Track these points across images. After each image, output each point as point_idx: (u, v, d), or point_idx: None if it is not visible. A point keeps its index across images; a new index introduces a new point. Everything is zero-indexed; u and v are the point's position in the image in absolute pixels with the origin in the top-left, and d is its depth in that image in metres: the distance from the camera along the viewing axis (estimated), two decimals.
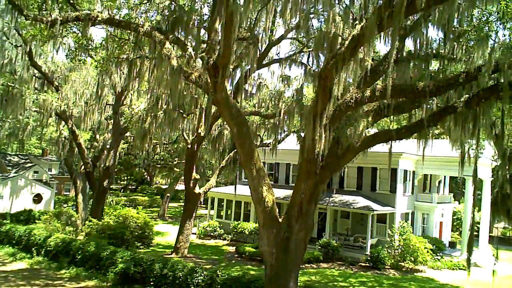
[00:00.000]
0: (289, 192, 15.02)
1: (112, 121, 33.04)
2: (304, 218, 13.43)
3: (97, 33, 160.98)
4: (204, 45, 18.14)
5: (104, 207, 33.64)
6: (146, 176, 77.13)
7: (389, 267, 27.37)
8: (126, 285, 18.30)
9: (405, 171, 32.36)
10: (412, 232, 29.38)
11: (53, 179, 56.33)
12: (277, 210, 14.00)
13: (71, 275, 20.08)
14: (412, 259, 27.41)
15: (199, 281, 17.27)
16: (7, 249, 24.38)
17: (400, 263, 27.54)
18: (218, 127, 27.98)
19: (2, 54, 26.34)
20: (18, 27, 25.41)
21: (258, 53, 21.88)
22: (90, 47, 27.20)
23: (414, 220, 33.63)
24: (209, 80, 13.84)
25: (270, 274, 13.64)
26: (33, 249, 23.16)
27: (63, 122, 31.58)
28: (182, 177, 47.25)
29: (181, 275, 17.62)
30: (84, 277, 19.72)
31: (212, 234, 35.64)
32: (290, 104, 22.36)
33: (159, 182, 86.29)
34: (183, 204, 40.13)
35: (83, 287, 18.48)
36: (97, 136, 37.23)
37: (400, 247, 28.03)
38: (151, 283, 18.09)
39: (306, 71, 22.40)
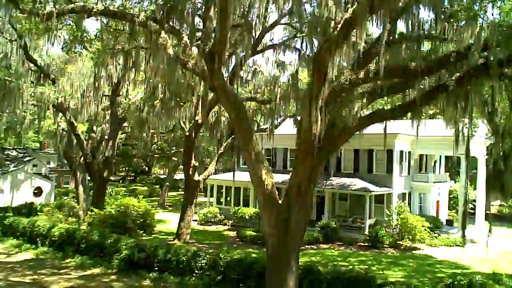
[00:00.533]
0: (287, 177, 15.38)
1: (109, 111, 33.21)
2: (303, 199, 13.79)
3: (91, 25, 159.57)
4: (200, 33, 18.39)
5: (105, 197, 33.96)
6: (144, 167, 77.42)
7: (387, 246, 27.90)
8: (131, 271, 18.75)
9: (401, 152, 32.78)
10: (410, 212, 29.93)
11: (52, 172, 56.51)
12: (276, 192, 14.35)
13: (77, 264, 20.50)
14: (410, 238, 27.98)
15: (203, 264, 17.74)
16: (12, 241, 24.76)
17: (398, 242, 28.09)
18: (215, 114, 28.22)
19: None
20: (13, 21, 25.46)
21: (252, 40, 22.10)
22: (85, 39, 27.31)
23: (411, 200, 34.15)
24: (205, 68, 14.09)
25: (272, 254, 14.04)
26: (38, 240, 23.57)
27: (60, 114, 31.73)
28: (181, 166, 47.66)
29: (184, 259, 18.07)
30: (89, 265, 20.14)
31: (212, 220, 36.11)
32: (285, 89, 22.63)
33: (157, 172, 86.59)
34: (182, 192, 40.61)
35: (89, 275, 18.89)
36: (94, 128, 37.40)
37: (398, 226, 28.59)
38: (156, 268, 18.53)
39: (300, 56, 22.65)
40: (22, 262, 21.02)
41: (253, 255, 20.23)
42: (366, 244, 28.51)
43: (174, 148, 47.07)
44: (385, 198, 31.85)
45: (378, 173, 32.34)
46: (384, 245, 27.89)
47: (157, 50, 15.00)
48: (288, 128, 31.81)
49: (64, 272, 19.28)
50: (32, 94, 27.99)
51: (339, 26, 10.49)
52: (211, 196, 39.17)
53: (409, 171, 34.39)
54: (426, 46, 14.68)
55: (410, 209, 30.73)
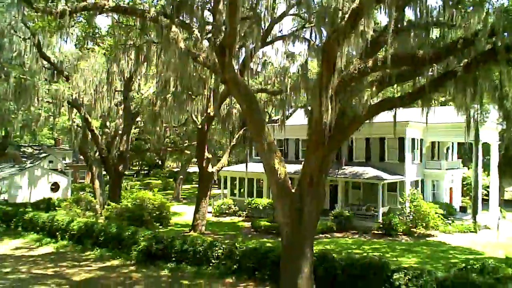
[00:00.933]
0: (300, 167, 15.59)
1: (122, 106, 33.66)
2: (316, 188, 14.02)
3: (102, 22, 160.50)
4: (210, 27, 18.60)
5: (121, 191, 34.54)
6: (157, 160, 78.17)
7: (401, 233, 28.03)
8: (149, 262, 19.21)
9: (413, 140, 32.78)
10: (423, 199, 29.98)
11: (67, 168, 57.43)
12: (289, 182, 14.59)
13: (96, 256, 21.04)
14: (424, 225, 28.09)
15: (219, 254, 18.13)
16: (32, 235, 25.40)
17: (412, 229, 28.21)
18: (226, 107, 28.48)
19: (11, 48, 26.88)
20: (26, 20, 25.93)
21: (262, 32, 22.23)
22: (97, 35, 27.69)
23: (424, 187, 34.16)
24: (216, 60, 14.33)
25: (286, 243, 14.32)
26: (57, 234, 24.15)
27: (75, 110, 32.25)
28: (194, 159, 48.12)
29: (201, 250, 18.48)
30: (108, 257, 20.67)
31: (227, 211, 36.54)
32: (295, 80, 22.77)
33: (170, 165, 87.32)
34: (196, 185, 41.11)
35: (109, 266, 19.40)
36: (107, 123, 37.93)
37: (412, 213, 28.69)
38: (173, 259, 18.97)
39: (309, 46, 22.74)
40: (44, 256, 21.63)
41: (268, 244, 20.59)
42: (379, 232, 28.67)
43: (186, 141, 47.47)
44: (397, 186, 31.93)
45: (390, 161, 32.39)
46: (398, 233, 28.01)
47: (168, 44, 15.22)
48: (299, 118, 31.98)
49: (84, 264, 19.82)
50: (47, 91, 28.46)
51: (347, 16, 10.65)
52: (225, 188, 39.58)
53: (421, 158, 34.37)
54: (436, 32, 14.73)
55: (423, 197, 30.77)
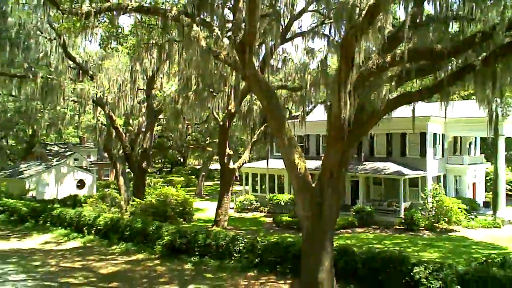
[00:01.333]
0: (320, 163, 15.76)
1: (145, 104, 34.30)
2: (336, 183, 14.17)
3: (125, 21, 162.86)
4: (230, 25, 18.91)
5: (145, 188, 35.24)
6: (179, 158, 79.08)
7: (423, 228, 27.94)
8: (173, 256, 19.67)
9: (434, 135, 32.53)
10: (445, 194, 29.78)
11: (92, 165, 58.77)
12: (309, 176, 14.78)
13: (122, 250, 21.62)
14: (446, 220, 27.92)
15: (241, 248, 18.47)
16: (60, 230, 26.18)
17: (434, 224, 28.08)
18: (247, 103, 28.79)
19: (38, 48, 27.68)
20: (51, 21, 26.69)
21: (281, 28, 22.45)
22: (120, 35, 28.32)
23: (447, 183, 33.89)
24: (237, 58, 14.61)
25: (307, 236, 14.52)
26: (84, 229, 24.85)
27: (99, 109, 33.01)
28: (215, 156, 48.64)
29: (223, 244, 18.84)
30: (134, 251, 21.23)
31: (249, 207, 36.92)
32: (315, 76, 22.89)
33: (192, 163, 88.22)
34: (218, 182, 41.54)
35: (134, 260, 19.94)
36: (131, 121, 38.67)
37: (434, 209, 28.53)
38: (196, 253, 19.38)
39: (329, 42, 22.86)
40: (71, 250, 22.33)
41: (289, 239, 20.81)
42: (401, 227, 28.64)
43: (208, 138, 48.05)
44: (419, 181, 31.76)
45: (412, 157, 32.24)
46: (420, 228, 27.93)
47: (189, 42, 15.53)
48: (320, 114, 32.05)
49: (111, 258, 20.42)
50: (73, 90, 29.24)
51: (364, 12, 10.79)
52: (246, 184, 39.95)
53: (443, 153, 34.07)
54: (456, 26, 14.69)
55: (445, 192, 30.55)
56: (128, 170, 37.58)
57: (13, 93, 32.52)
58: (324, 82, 18.18)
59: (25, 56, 24.69)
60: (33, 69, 26.53)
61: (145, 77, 32.27)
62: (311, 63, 26.94)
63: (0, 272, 17.99)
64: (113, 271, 18.08)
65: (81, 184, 45.93)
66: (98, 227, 24.07)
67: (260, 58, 21.87)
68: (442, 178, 33.45)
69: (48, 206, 29.90)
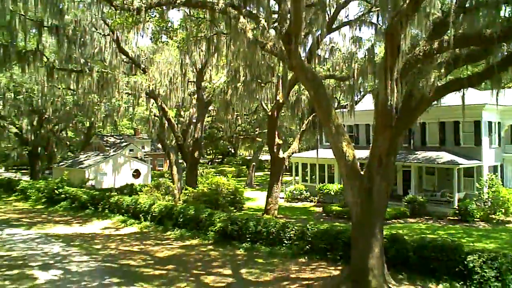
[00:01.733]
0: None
1: (195, 96, 35.19)
2: (385, 170, 14.14)
3: (174, 16, 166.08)
4: (276, 16, 19.11)
5: (197, 177, 36.26)
6: (230, 149, 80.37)
7: (478, 219, 27.13)
8: (225, 242, 20.31)
9: (490, 123, 31.32)
10: (502, 185, 28.73)
11: (147, 156, 60.94)
12: (358, 164, 14.78)
13: (176, 236, 22.55)
14: (503, 211, 26.99)
15: (291, 235, 18.82)
16: (118, 217, 27.57)
17: (490, 216, 27.19)
18: (295, 93, 28.90)
19: (93, 44, 28.99)
20: (105, 18, 27.89)
21: (327, 18, 22.35)
22: (170, 29, 29.17)
23: (504, 173, 32.63)
24: (283, 48, 14.82)
25: (356, 222, 14.58)
26: (140, 215, 26.05)
27: (152, 101, 34.19)
28: (265, 147, 49.14)
29: (274, 231, 19.26)
30: (187, 236, 22.10)
31: (298, 197, 37.17)
32: (363, 65, 22.63)
33: (243, 153, 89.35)
34: (268, 172, 42.06)
35: (188, 245, 20.77)
36: (182, 112, 39.76)
37: (490, 199, 27.62)
38: (247, 239, 19.93)
39: (376, 31, 22.55)
40: (129, 235, 23.53)
41: (339, 227, 20.93)
42: (455, 218, 27.93)
43: (257, 129, 48.57)
44: (474, 171, 30.77)
45: (466, 146, 31.25)
46: (475, 219, 27.14)
47: (237, 34, 15.86)
48: (369, 104, 31.63)
49: (166, 243, 21.37)
50: (126, 84, 30.46)
51: None
52: (296, 174, 40.16)
53: (500, 142, 32.78)
54: (510, 10, 14.19)
55: (502, 182, 29.48)
56: (181, 160, 38.74)
57: (72, 87, 34.14)
58: (372, 71, 17.96)
59: (81, 52, 25.85)
60: (89, 64, 27.77)
61: (194, 70, 33.06)
62: (358, 52, 26.69)
63: (65, 253, 19.35)
64: (169, 255, 18.95)
65: (136, 173, 47.84)
66: (153, 214, 25.15)
67: (307, 49, 21.91)
68: (499, 168, 32.23)
69: (106, 194, 31.48)
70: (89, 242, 21.79)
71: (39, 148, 52.64)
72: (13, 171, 67.59)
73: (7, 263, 17.71)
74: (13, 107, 43.00)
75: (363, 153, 30.91)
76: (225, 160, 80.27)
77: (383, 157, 13.94)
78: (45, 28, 22.02)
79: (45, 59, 24.71)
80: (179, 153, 36.72)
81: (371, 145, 15.01)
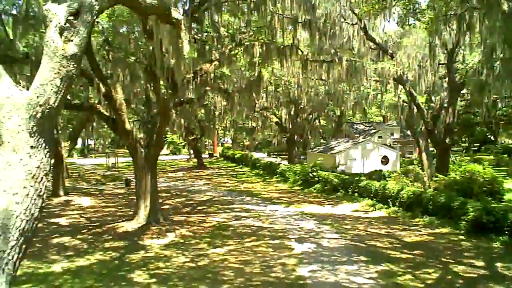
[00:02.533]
0: None
1: (446, 79, 33.32)
2: None
3: None
4: None
5: (448, 164, 34.41)
6: (489, 136, 72.82)
7: None
8: (479, 233, 18.88)
9: None
10: None
11: (395, 143, 60.70)
12: None
13: (425, 223, 22.12)
14: None
15: None
16: (367, 201, 28.52)
17: None
18: None
19: (341, 34, 30.40)
20: (353, 7, 29.07)
21: None
22: (417, 11, 28.50)
23: None
24: None
25: None
26: (388, 200, 26.37)
27: (400, 87, 33.92)
28: None
29: None
30: (437, 224, 21.39)
31: None
32: None
33: (505, 141, 79.66)
34: None
35: (437, 233, 20.16)
36: (432, 97, 38.11)
37: None
38: (506, 232, 18.12)
39: None
40: (377, 218, 24.18)
41: None
42: None
43: None
44: None
45: None
46: None
47: (490, 8, 14.68)
48: None
49: (414, 229, 21.19)
50: (374, 71, 31.00)
51: None
52: None
53: None
54: None
55: None
56: (431, 148, 37.33)
57: (323, 77, 36.53)
58: None
59: (331, 42, 27.42)
60: (338, 53, 29.28)
61: (445, 51, 31.35)
62: None
63: (318, 230, 21.28)
64: (417, 240, 18.81)
65: (385, 160, 48.22)
66: (401, 200, 25.13)
67: None
68: None
69: (356, 178, 32.87)
70: (339, 222, 23.31)
71: (295, 136, 58.25)
72: (274, 156, 76.15)
73: (270, 234, 20.56)
74: (274, 99, 48.64)
75: None
76: (483, 148, 72.74)
77: None
78: (299, 23, 24.26)
79: (299, 53, 27.16)
80: (428, 139, 35.47)
81: None
